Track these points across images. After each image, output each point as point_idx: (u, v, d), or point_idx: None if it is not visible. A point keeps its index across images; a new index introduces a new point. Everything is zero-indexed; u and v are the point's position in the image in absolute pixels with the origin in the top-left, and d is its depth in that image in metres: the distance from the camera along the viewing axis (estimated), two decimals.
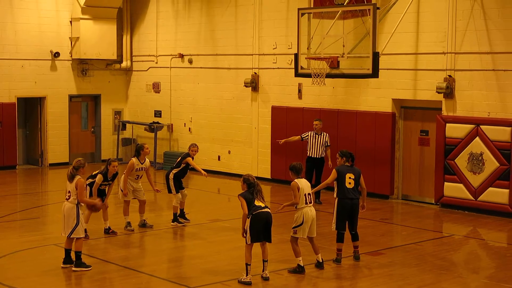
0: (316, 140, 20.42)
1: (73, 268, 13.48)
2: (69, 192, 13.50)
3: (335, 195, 14.17)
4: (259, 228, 12.71)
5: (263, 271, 12.95)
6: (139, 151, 16.84)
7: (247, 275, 12.70)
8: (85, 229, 15.06)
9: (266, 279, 12.93)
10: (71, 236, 13.49)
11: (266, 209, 12.82)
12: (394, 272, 13.73)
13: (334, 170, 14.23)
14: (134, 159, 16.77)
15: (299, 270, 13.42)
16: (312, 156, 20.48)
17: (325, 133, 20.58)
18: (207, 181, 22.55)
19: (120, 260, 14.29)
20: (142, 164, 16.80)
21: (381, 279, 13.28)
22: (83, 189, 13.60)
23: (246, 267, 12.71)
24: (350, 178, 14.07)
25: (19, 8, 26.57)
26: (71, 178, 13.52)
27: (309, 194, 13.47)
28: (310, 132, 20.66)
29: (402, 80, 20.69)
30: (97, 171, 16.10)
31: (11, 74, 26.52)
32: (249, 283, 12.69)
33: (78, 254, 13.53)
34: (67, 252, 13.65)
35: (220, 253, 15.06)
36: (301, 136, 20.79)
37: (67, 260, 13.64)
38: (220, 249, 15.45)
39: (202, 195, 22.16)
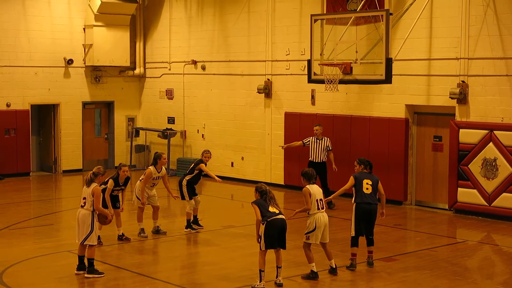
0: (318, 145, 20.70)
1: (85, 275, 13.50)
2: (84, 198, 13.56)
3: (353, 201, 14.17)
4: (274, 235, 12.71)
5: (276, 277, 12.95)
6: (156, 160, 16.83)
7: (260, 281, 12.70)
8: (99, 236, 15.10)
9: (279, 285, 12.92)
10: (84, 243, 13.54)
11: (281, 216, 12.82)
12: (408, 278, 13.70)
13: (351, 176, 14.27)
14: (151, 168, 16.78)
15: (312, 276, 13.41)
16: (314, 160, 20.69)
17: (326, 138, 20.86)
18: (220, 187, 22.59)
19: (133, 267, 14.31)
20: (159, 173, 16.82)
21: (394, 285, 13.25)
22: (99, 197, 13.68)
23: (260, 273, 12.71)
24: (367, 184, 14.12)
25: (33, 15, 26.69)
26: (89, 182, 13.61)
27: (321, 199, 13.49)
28: (311, 137, 20.89)
29: (415, 86, 20.66)
30: (109, 177, 16.12)
31: (25, 81, 26.63)
32: None
33: (90, 261, 13.56)
34: (81, 258, 13.68)
35: (233, 260, 15.06)
36: (302, 142, 21.06)
37: (80, 266, 13.67)
38: (233, 255, 15.46)
39: (215, 201, 22.18)
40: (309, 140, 20.84)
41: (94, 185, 13.60)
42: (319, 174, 20.43)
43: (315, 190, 13.51)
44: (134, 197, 17.03)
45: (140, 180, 16.80)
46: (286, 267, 13.61)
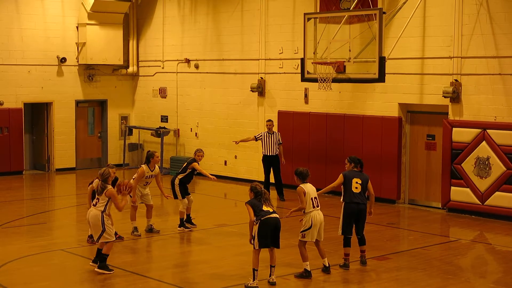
0: (270, 139, 21.72)
1: (96, 269, 13.58)
2: (97, 199, 13.67)
3: (341, 200, 14.17)
4: (268, 234, 12.70)
5: (270, 276, 12.95)
6: (149, 159, 16.81)
7: (254, 280, 12.69)
8: (115, 232, 14.99)
9: (273, 284, 12.92)
10: (99, 241, 13.63)
11: (275, 215, 12.80)
12: (401, 276, 13.72)
13: (341, 174, 14.24)
14: (144, 167, 16.74)
15: (305, 275, 13.42)
16: (268, 154, 21.79)
17: (277, 132, 21.98)
18: (214, 186, 22.59)
19: (126, 265, 14.28)
20: (151, 171, 16.79)
21: (387, 283, 13.26)
22: (116, 197, 13.72)
23: (253, 272, 12.69)
24: (356, 183, 14.06)
25: (26, 13, 26.64)
26: (101, 192, 13.66)
27: (315, 198, 13.50)
28: (263, 132, 21.95)
29: (409, 85, 20.68)
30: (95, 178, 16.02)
31: (18, 80, 26.58)
32: None
33: (104, 256, 13.59)
34: (99, 251, 13.76)
35: (227, 258, 15.05)
36: (255, 137, 22.07)
37: (96, 259, 13.74)
38: (226, 254, 15.45)
39: (208, 200, 22.17)
40: (261, 135, 21.87)
41: (108, 187, 13.68)
42: (272, 166, 21.86)
43: (309, 188, 13.52)
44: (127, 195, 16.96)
45: (133, 179, 16.77)
46: (280, 266, 13.59)
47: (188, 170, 17.36)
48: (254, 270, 12.69)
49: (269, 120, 22.00)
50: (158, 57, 28.41)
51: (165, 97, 28.32)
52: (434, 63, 20.15)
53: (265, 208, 12.75)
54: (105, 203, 13.63)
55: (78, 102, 28.28)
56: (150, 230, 17.13)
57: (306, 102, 23.30)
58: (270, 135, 21.61)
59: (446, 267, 14.37)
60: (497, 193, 18.90)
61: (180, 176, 17.39)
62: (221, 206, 21.90)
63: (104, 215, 13.59)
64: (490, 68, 19.08)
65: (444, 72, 19.88)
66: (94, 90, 28.57)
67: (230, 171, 25.83)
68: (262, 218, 12.67)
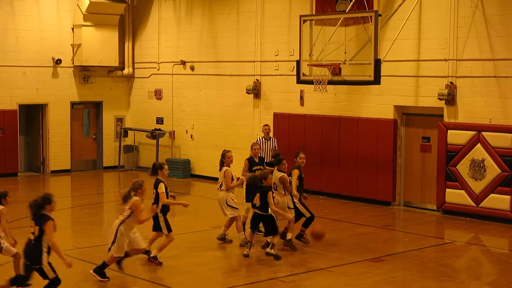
0: (265, 145, 20.41)
1: (91, 271, 13.33)
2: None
3: None
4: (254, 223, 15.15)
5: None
6: (224, 156, 17.22)
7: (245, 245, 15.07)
8: (155, 256, 14.49)
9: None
10: (109, 252, 13.32)
11: (257, 210, 14.91)
12: (396, 278, 13.73)
13: None
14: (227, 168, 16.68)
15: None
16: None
17: (273, 138, 20.66)
18: (209, 188, 22.54)
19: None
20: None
21: (382, 285, 13.26)
22: (139, 210, 13.13)
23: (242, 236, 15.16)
24: None
25: (21, 15, 26.61)
26: (125, 198, 13.26)
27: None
28: (258, 138, 20.40)
29: (404, 87, 20.70)
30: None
31: (13, 81, 26.55)
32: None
33: (104, 264, 13.34)
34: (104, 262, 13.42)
35: (223, 260, 15.09)
36: None
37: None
38: (224, 255, 15.48)
39: (204, 202, 22.14)
40: (257, 143, 20.11)
41: (133, 199, 13.17)
42: None
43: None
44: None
45: (235, 181, 16.50)
46: (286, 266, 13.63)
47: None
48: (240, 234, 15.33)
49: (266, 125, 20.80)
50: (154, 58, 28.40)
51: (160, 99, 28.31)
52: (429, 66, 20.17)
53: (255, 200, 14.87)
54: (128, 215, 13.12)
55: (73, 104, 28.25)
56: (222, 238, 16.44)
57: (302, 104, 23.30)
58: (266, 141, 20.34)
59: (441, 269, 14.38)
60: (492, 195, 18.92)
61: None
62: (216, 208, 21.81)
63: (119, 229, 13.15)
64: (485, 71, 19.10)
65: (440, 74, 19.90)
66: (89, 91, 28.55)
67: None
68: (252, 208, 15.14)
